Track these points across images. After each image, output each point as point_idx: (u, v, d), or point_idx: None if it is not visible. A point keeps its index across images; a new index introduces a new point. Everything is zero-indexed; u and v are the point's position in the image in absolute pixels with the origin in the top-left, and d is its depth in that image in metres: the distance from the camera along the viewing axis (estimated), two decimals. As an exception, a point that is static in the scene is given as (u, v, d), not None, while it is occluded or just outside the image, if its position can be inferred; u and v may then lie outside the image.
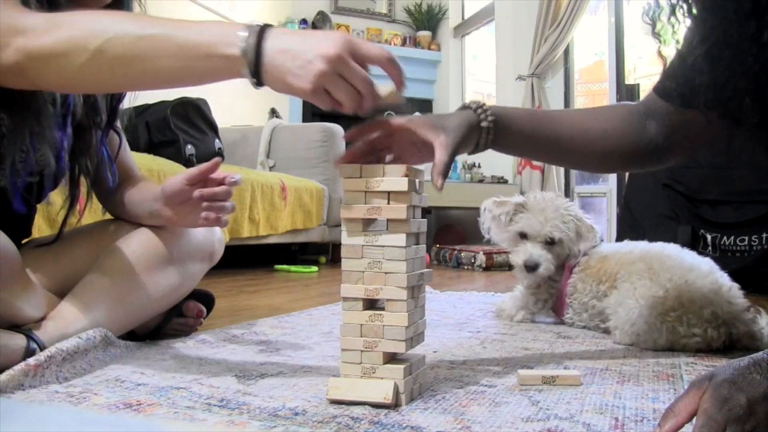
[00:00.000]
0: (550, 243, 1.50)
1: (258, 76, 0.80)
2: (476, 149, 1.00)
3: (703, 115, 0.83)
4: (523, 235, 1.52)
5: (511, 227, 1.54)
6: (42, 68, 0.84)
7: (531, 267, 1.48)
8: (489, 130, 0.98)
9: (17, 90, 0.95)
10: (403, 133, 0.95)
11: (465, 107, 0.99)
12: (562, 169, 4.31)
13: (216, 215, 1.10)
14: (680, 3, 0.77)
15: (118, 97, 1.17)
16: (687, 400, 0.65)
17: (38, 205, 1.19)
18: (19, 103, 0.98)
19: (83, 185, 1.18)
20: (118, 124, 1.21)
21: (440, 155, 0.90)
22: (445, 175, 0.90)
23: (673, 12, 0.79)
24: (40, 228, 1.28)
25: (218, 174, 1.10)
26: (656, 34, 0.88)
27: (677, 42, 0.83)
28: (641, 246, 1.46)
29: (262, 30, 0.80)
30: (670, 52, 0.89)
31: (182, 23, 0.83)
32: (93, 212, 1.23)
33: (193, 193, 1.10)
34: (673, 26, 0.83)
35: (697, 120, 0.91)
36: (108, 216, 1.27)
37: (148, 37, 0.82)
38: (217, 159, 1.12)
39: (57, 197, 1.17)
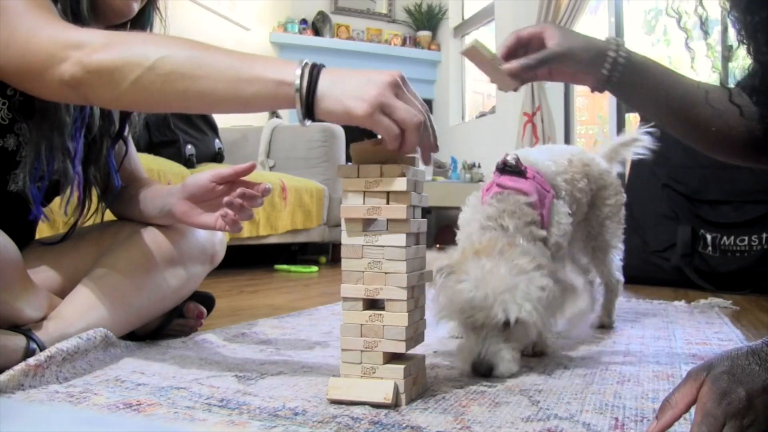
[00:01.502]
0: (507, 325, 0.99)
1: (310, 106, 0.79)
2: (605, 83, 0.97)
3: None
4: (469, 316, 1.00)
5: (444, 306, 1.02)
6: (97, 82, 0.85)
7: (485, 372, 0.98)
8: (617, 64, 0.95)
9: (37, 100, 0.96)
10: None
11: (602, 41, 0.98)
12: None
13: (234, 218, 1.06)
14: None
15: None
16: (684, 390, 0.65)
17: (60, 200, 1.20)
18: (38, 113, 0.99)
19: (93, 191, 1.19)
20: (128, 132, 1.21)
21: (527, 58, 0.93)
22: (516, 72, 0.93)
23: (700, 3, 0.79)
24: (41, 230, 1.28)
25: (248, 178, 1.09)
26: (683, 28, 0.89)
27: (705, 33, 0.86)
28: None
29: (316, 65, 0.81)
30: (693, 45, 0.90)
31: (236, 51, 0.84)
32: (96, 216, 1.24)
33: (216, 191, 1.08)
34: (701, 18, 0.83)
35: None
36: (109, 217, 1.27)
37: (200, 56, 0.83)
38: (253, 162, 1.11)
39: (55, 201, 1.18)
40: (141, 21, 1.16)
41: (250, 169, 1.09)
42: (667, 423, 0.65)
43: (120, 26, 1.13)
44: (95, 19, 1.04)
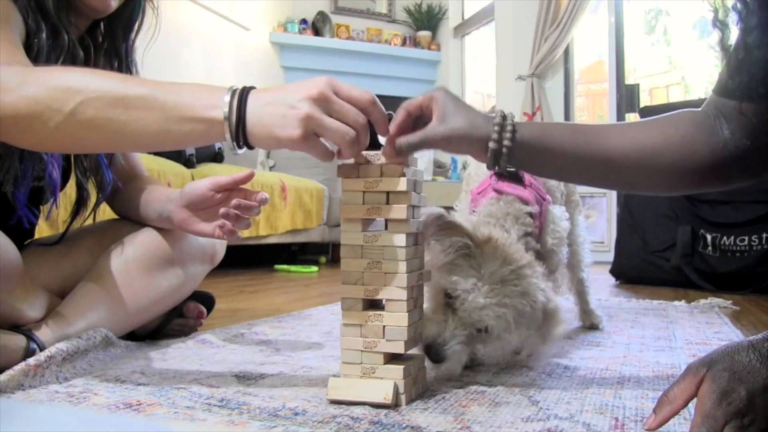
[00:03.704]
0: (478, 331, 0.95)
1: (242, 138, 0.77)
2: (494, 164, 0.85)
3: None
4: (450, 301, 0.95)
5: (438, 281, 0.96)
6: (13, 129, 0.79)
7: (433, 358, 0.93)
8: (502, 150, 0.83)
9: None
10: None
11: (490, 115, 0.86)
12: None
13: (231, 228, 1.06)
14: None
15: None
16: (683, 385, 0.64)
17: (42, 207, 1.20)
18: None
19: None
20: None
21: (413, 136, 0.82)
22: (400, 151, 0.82)
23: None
24: (41, 230, 1.28)
25: (247, 187, 1.08)
26: (720, 23, 0.80)
27: (744, 31, 0.77)
28: None
29: (244, 91, 0.77)
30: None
31: (161, 84, 0.79)
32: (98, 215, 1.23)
33: (214, 199, 1.08)
34: (740, 13, 0.76)
35: None
36: (110, 216, 1.27)
37: (124, 99, 0.77)
38: (252, 171, 1.10)
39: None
40: (124, 14, 1.13)
41: (248, 178, 1.08)
42: (665, 418, 0.64)
43: (99, 22, 1.11)
44: (67, 14, 1.02)
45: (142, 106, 0.77)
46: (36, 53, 0.95)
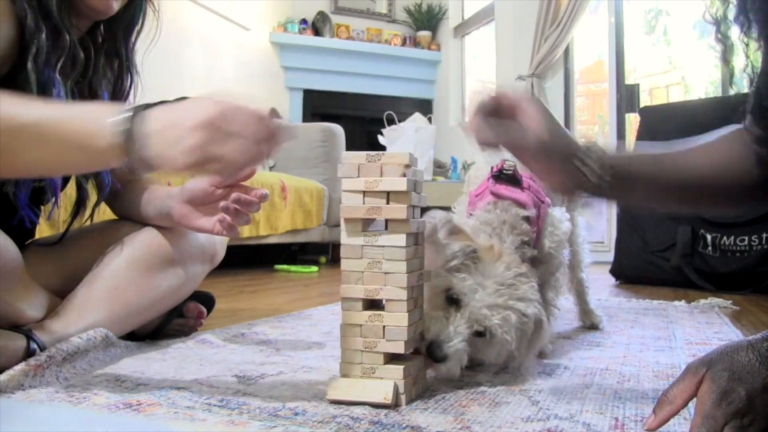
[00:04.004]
0: (479, 334, 0.95)
1: (137, 164, 0.76)
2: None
3: None
4: (452, 301, 0.95)
5: (441, 281, 0.95)
6: None
7: (436, 357, 0.92)
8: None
9: None
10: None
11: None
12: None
13: (230, 223, 1.05)
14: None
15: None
16: (683, 385, 0.64)
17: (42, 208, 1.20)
18: None
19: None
20: None
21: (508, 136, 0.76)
22: (482, 136, 0.76)
23: (745, 12, 0.69)
24: (42, 230, 1.28)
25: (246, 183, 1.07)
26: (723, 36, 0.77)
27: (747, 46, 0.73)
28: None
29: (137, 113, 0.76)
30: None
31: (55, 108, 0.77)
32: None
33: (215, 195, 1.08)
34: (743, 26, 0.72)
35: None
36: (110, 217, 1.27)
37: (16, 124, 0.75)
38: (253, 168, 1.10)
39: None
40: (125, 16, 1.14)
41: (249, 175, 1.08)
42: (665, 418, 0.64)
43: (100, 23, 1.11)
44: (69, 15, 1.02)
45: (36, 132, 0.76)
46: (35, 53, 0.95)
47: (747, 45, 0.74)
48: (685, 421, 0.76)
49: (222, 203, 1.05)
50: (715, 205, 0.90)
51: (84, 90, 1.09)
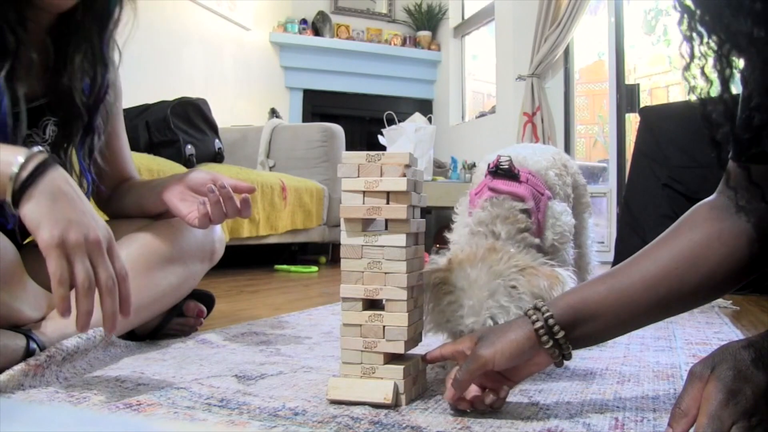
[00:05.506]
0: None
1: (17, 203, 0.79)
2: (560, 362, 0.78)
3: None
4: (458, 333, 0.94)
5: (434, 317, 0.96)
6: None
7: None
8: (558, 344, 0.76)
9: None
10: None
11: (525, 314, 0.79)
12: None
13: (206, 211, 1.09)
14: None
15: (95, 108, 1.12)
16: (693, 394, 0.63)
17: None
18: None
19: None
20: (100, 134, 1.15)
21: (464, 368, 0.77)
22: (457, 388, 0.77)
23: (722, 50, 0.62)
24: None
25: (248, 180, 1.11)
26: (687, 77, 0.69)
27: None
28: None
29: (41, 170, 0.80)
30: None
31: None
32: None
33: (210, 190, 1.10)
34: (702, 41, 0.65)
35: None
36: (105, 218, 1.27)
37: None
38: (253, 186, 1.15)
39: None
40: (97, 7, 1.06)
41: (249, 190, 1.12)
42: (684, 431, 0.63)
43: (70, 16, 1.05)
44: (21, 12, 0.97)
45: None
46: None
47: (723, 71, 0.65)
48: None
49: (208, 185, 1.09)
50: (706, 299, 0.81)
51: (60, 84, 1.05)
